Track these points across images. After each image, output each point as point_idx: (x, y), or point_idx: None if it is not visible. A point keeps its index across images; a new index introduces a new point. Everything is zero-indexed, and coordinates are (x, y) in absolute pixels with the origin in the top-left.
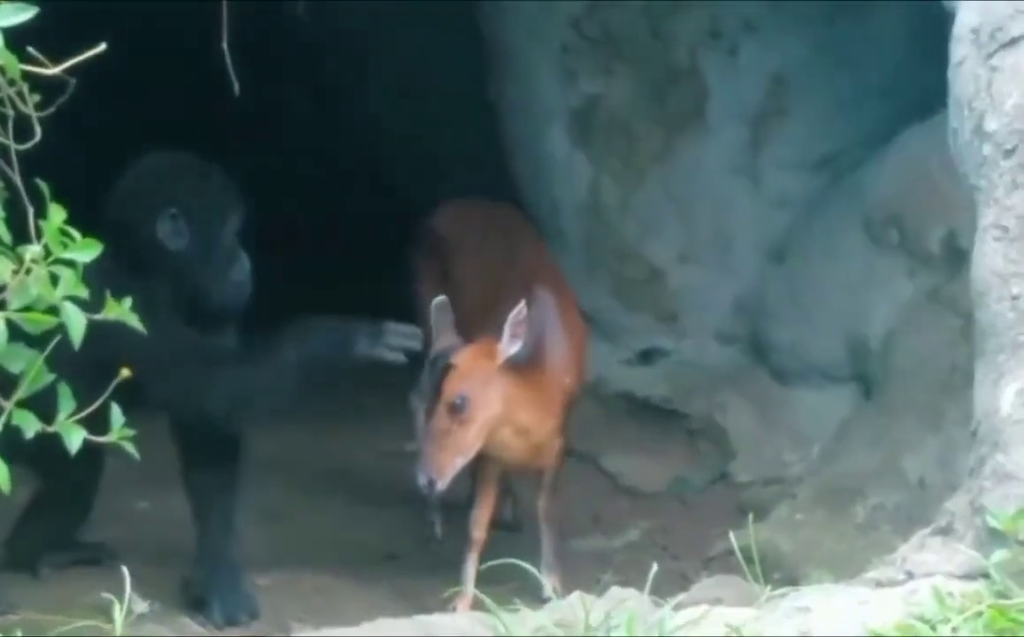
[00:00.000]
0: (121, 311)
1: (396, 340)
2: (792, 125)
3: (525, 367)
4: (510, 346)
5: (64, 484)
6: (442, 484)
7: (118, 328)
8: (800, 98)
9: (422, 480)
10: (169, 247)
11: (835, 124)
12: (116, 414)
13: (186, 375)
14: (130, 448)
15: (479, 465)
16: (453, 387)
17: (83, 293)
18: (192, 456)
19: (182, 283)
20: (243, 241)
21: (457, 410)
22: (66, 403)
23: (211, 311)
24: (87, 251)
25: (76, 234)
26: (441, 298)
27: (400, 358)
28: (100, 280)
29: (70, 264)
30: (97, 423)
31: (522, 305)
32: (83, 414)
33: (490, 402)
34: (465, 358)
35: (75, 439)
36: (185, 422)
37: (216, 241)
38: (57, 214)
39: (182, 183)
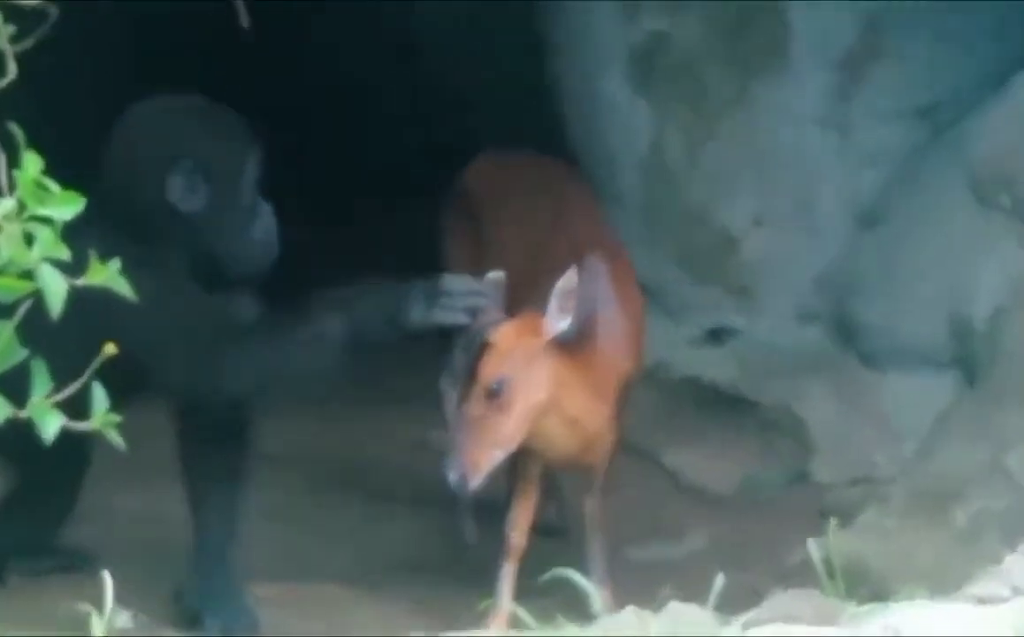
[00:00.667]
0: (108, 275)
1: (458, 299)
2: (887, 69)
3: (574, 347)
4: (558, 321)
5: (40, 479)
6: (476, 481)
7: (129, 305)
8: (897, 38)
9: (453, 477)
10: (182, 208)
11: (937, 69)
12: (99, 396)
13: (214, 355)
14: (115, 436)
15: (519, 459)
16: (491, 369)
17: (63, 254)
18: (194, 444)
19: (199, 248)
20: (264, 190)
21: (495, 395)
22: (41, 383)
23: (234, 275)
24: (67, 206)
25: (54, 186)
26: (497, 274)
27: (462, 318)
28: (99, 250)
29: (47, 221)
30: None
31: (572, 273)
32: (61, 396)
33: (534, 387)
34: (506, 335)
35: (51, 425)
36: (202, 407)
37: (236, 196)
38: (32, 163)
39: (192, 131)
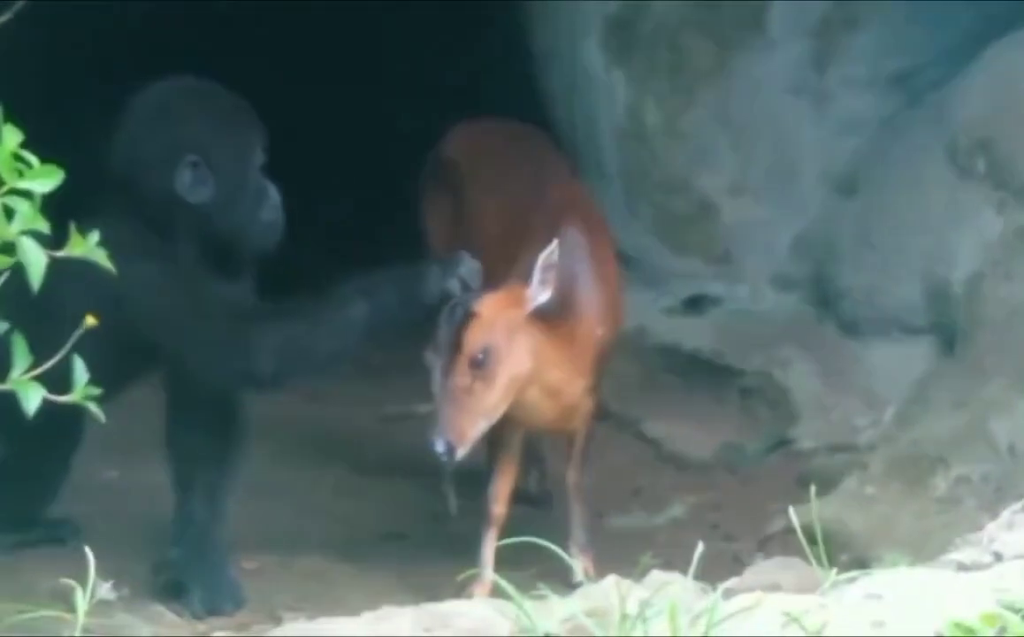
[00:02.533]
0: (87, 248)
1: (467, 274)
2: (863, 37)
3: (554, 317)
4: (540, 293)
5: (29, 454)
6: (463, 450)
7: (146, 291)
8: (872, 6)
9: (440, 446)
10: (190, 200)
11: (913, 35)
12: (79, 370)
13: (241, 339)
14: (95, 409)
15: (500, 430)
16: (475, 339)
17: (43, 227)
18: (184, 413)
19: (209, 232)
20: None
21: (480, 365)
22: (22, 358)
23: (244, 256)
24: (47, 179)
25: (34, 159)
26: (459, 254)
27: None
28: (109, 241)
29: (27, 195)
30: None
31: (554, 246)
32: (41, 370)
33: (518, 357)
34: (489, 306)
35: (32, 399)
36: (228, 390)
37: (243, 182)
38: (11, 136)
39: (198, 121)
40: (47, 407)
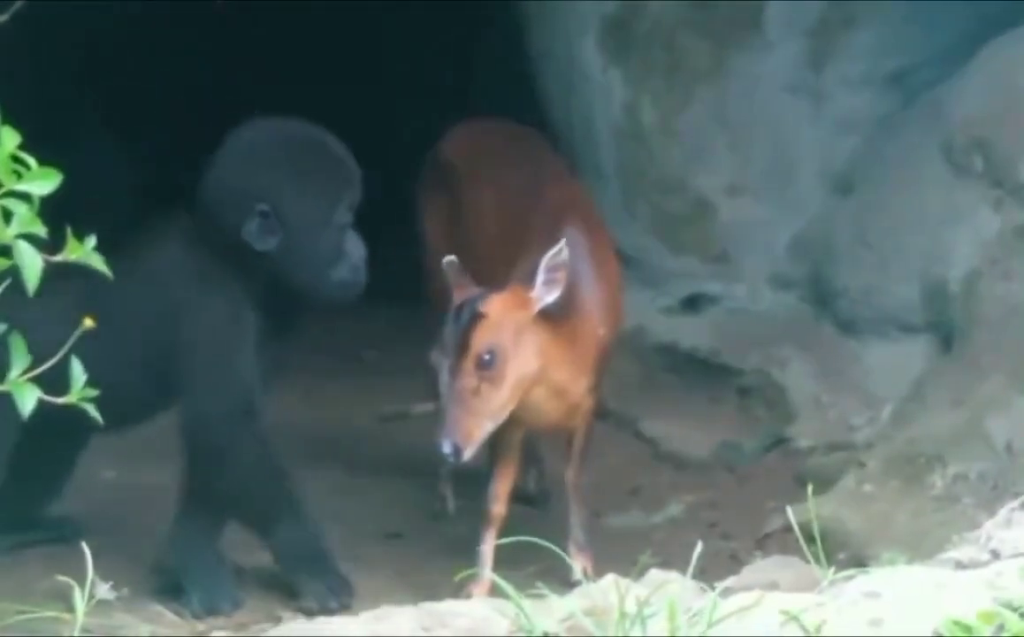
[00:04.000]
0: (83, 252)
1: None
2: (860, 36)
3: (558, 316)
4: (546, 293)
5: (36, 454)
6: (469, 452)
7: (192, 316)
8: (869, 5)
9: (446, 447)
10: (257, 247)
11: (910, 34)
12: (77, 371)
13: (222, 407)
14: (92, 411)
15: (500, 430)
16: (482, 340)
17: (40, 230)
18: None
19: (274, 282)
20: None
21: (487, 366)
22: (20, 359)
23: (311, 306)
24: (45, 181)
25: (32, 162)
26: (450, 259)
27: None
28: (188, 264)
29: (25, 197)
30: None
31: (561, 246)
32: (37, 371)
33: (525, 357)
34: (495, 307)
35: (28, 400)
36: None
37: (317, 238)
38: (9, 138)
39: (278, 169)
40: (58, 407)
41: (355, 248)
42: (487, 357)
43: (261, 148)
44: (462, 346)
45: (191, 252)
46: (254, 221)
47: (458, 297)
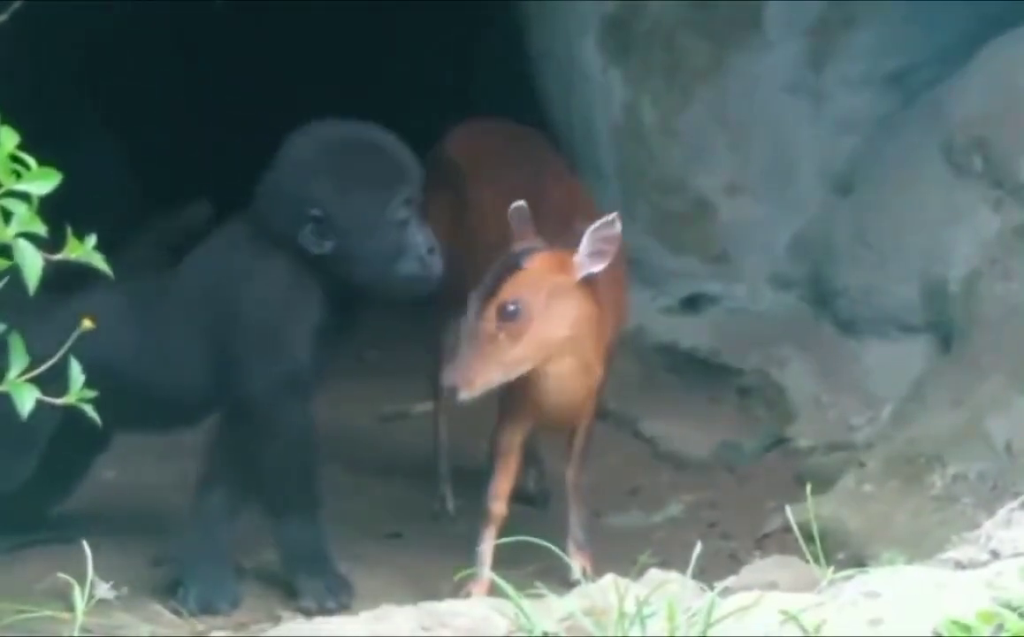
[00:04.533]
0: (84, 251)
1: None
2: (860, 36)
3: (594, 294)
4: (590, 263)
5: (55, 456)
6: (466, 395)
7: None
8: (869, 5)
9: (447, 384)
10: (313, 252)
11: (910, 34)
12: (75, 372)
13: (275, 404)
14: (91, 412)
15: (499, 427)
16: (512, 290)
17: (40, 229)
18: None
19: (338, 282)
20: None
21: (510, 317)
22: (19, 359)
23: (388, 302)
24: (44, 181)
25: (31, 161)
26: (519, 205)
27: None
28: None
29: (25, 197)
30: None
31: (614, 217)
32: (36, 372)
33: (553, 321)
34: (536, 263)
35: (27, 400)
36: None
37: (372, 236)
38: (9, 138)
39: (328, 173)
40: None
41: (420, 240)
42: (512, 308)
43: (312, 153)
44: (492, 291)
45: (253, 251)
46: (308, 226)
47: (515, 246)
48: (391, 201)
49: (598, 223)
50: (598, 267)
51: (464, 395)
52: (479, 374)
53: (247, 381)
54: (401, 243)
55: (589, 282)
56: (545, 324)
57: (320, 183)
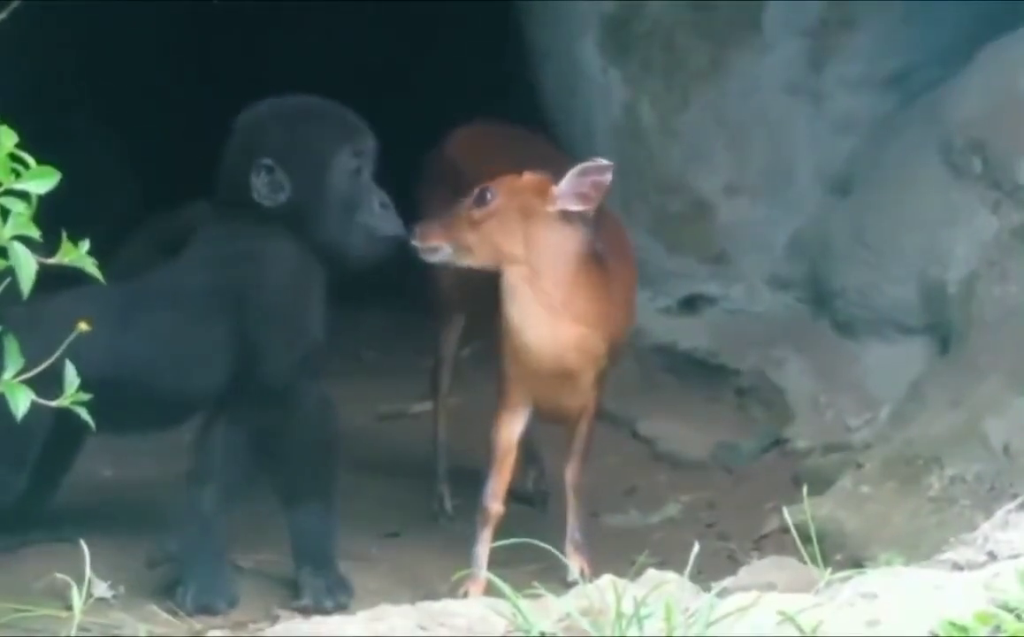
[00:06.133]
0: (78, 256)
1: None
2: (859, 37)
3: (596, 267)
4: (569, 198)
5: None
6: (416, 243)
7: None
8: (867, 6)
9: (410, 229)
10: (267, 203)
11: (909, 35)
12: (70, 374)
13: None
14: (84, 414)
15: (497, 416)
16: (497, 184)
17: (34, 233)
18: (228, 425)
19: (308, 239)
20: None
21: (480, 201)
22: (13, 361)
23: (352, 265)
24: (43, 180)
25: (30, 160)
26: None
27: None
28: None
29: (23, 196)
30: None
31: (607, 164)
32: (31, 374)
33: (509, 229)
34: (527, 179)
35: (21, 401)
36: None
37: (323, 183)
38: (7, 137)
39: (275, 126)
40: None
41: (374, 199)
42: (487, 195)
43: (263, 115)
44: (480, 190)
45: (258, 237)
46: (260, 177)
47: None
48: (339, 150)
49: (587, 164)
50: (578, 208)
51: (413, 240)
52: (434, 234)
53: (268, 361)
54: (354, 194)
55: (587, 240)
56: (503, 227)
57: (270, 135)
